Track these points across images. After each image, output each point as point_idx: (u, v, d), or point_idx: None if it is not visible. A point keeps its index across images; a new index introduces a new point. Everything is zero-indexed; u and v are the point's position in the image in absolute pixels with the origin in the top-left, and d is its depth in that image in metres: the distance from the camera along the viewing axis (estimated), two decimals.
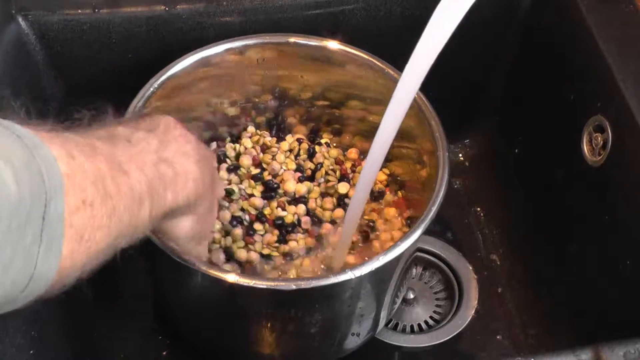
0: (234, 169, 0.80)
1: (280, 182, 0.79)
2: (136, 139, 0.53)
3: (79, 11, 0.78)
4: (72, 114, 0.52)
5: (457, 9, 0.57)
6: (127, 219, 0.47)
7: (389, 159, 0.80)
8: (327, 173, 0.80)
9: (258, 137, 0.82)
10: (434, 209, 0.66)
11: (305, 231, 0.77)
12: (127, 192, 0.48)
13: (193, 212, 0.59)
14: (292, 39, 0.78)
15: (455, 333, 0.84)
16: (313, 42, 0.78)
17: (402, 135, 0.74)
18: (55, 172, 0.41)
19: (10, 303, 0.42)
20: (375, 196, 0.80)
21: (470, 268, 0.88)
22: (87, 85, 0.82)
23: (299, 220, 0.77)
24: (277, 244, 0.75)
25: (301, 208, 0.77)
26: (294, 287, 0.62)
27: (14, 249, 0.39)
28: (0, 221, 0.38)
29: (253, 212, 0.77)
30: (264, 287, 0.62)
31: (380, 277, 0.68)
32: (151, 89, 0.72)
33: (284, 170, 0.80)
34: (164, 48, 0.80)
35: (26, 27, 0.77)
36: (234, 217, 0.76)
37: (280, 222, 0.76)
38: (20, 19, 0.76)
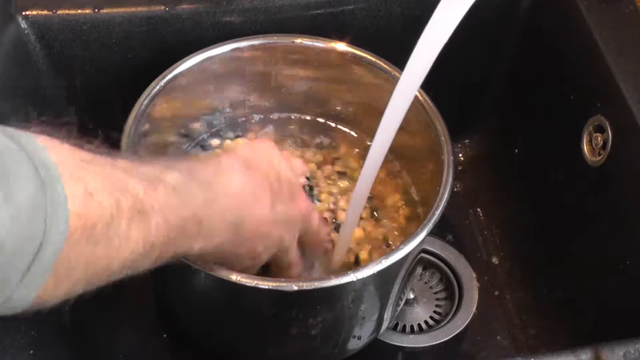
0: None
1: None
2: (184, 190, 0.52)
3: (79, 11, 0.78)
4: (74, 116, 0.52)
5: (457, 9, 0.57)
6: (130, 256, 0.47)
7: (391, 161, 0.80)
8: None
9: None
10: (438, 212, 0.66)
11: None
12: (137, 235, 0.47)
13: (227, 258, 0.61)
14: (299, 40, 0.78)
15: (455, 333, 0.84)
16: (320, 43, 0.78)
17: (406, 137, 0.74)
18: (61, 213, 0.41)
19: None
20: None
21: (470, 268, 0.88)
22: (87, 85, 0.82)
23: None
24: None
25: None
26: (295, 288, 0.62)
27: None
28: None
29: None
30: (266, 287, 0.62)
31: (383, 280, 0.68)
32: (157, 88, 0.72)
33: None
34: (164, 48, 0.80)
35: (26, 27, 0.77)
36: None
37: None
38: (20, 19, 0.76)
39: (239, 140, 0.81)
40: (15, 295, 0.41)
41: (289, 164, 0.66)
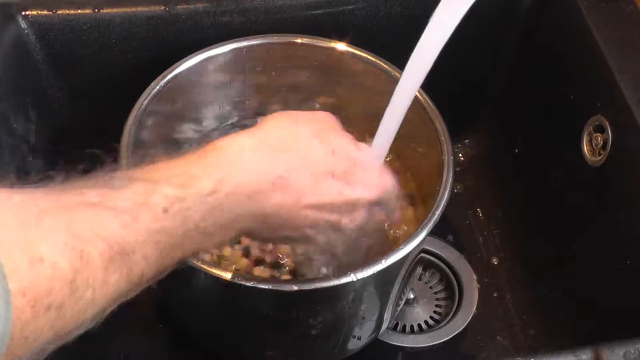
0: None
1: None
2: (178, 209, 0.48)
3: (79, 11, 0.78)
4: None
5: (457, 9, 0.57)
6: (113, 299, 0.44)
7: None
8: None
9: None
10: (438, 212, 0.66)
11: None
12: (119, 277, 0.44)
13: None
14: (299, 40, 0.78)
15: (455, 333, 0.84)
16: (320, 43, 0.78)
17: (406, 137, 0.74)
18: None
19: None
20: None
21: (470, 268, 0.88)
22: (87, 85, 0.82)
23: None
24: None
25: None
26: (295, 288, 0.62)
27: None
28: None
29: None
30: (266, 287, 0.62)
31: (383, 280, 0.68)
32: (157, 88, 0.72)
33: None
34: (164, 48, 0.80)
35: (26, 27, 0.77)
36: None
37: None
38: (20, 19, 0.76)
39: None
40: None
41: (350, 139, 0.60)
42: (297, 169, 0.55)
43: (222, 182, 0.51)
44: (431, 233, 0.66)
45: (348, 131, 0.82)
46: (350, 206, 0.58)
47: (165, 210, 0.47)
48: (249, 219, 0.53)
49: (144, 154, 0.53)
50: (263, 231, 0.57)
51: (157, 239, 0.46)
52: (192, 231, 0.49)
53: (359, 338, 0.74)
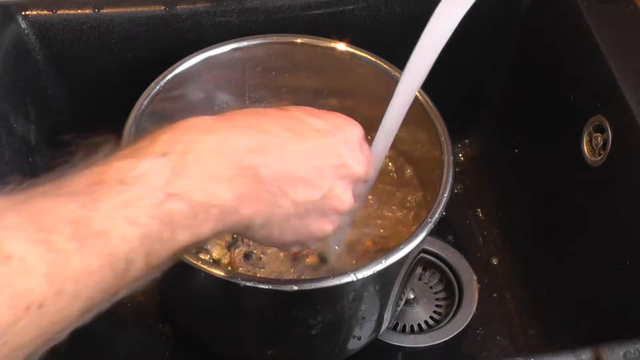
0: None
1: None
2: (134, 177, 0.44)
3: (79, 11, 0.78)
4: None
5: (457, 9, 0.57)
6: (100, 291, 0.42)
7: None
8: None
9: None
10: (438, 212, 0.66)
11: None
12: (100, 263, 0.41)
13: (254, 229, 0.50)
14: (299, 40, 0.78)
15: (455, 333, 0.84)
16: (320, 43, 0.78)
17: (406, 137, 0.74)
18: None
19: None
20: None
21: (470, 268, 0.88)
22: (87, 85, 0.82)
23: None
24: None
25: None
26: (295, 288, 0.62)
27: None
28: None
29: None
30: (266, 287, 0.62)
31: (383, 280, 0.68)
32: (157, 88, 0.72)
33: None
34: (164, 48, 0.80)
35: (26, 27, 0.77)
36: None
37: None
38: (20, 19, 0.76)
39: None
40: None
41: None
42: (259, 117, 0.52)
43: (171, 143, 0.47)
44: (431, 233, 0.66)
45: None
46: (342, 141, 0.53)
47: (122, 182, 0.44)
48: (233, 178, 0.48)
49: None
50: (268, 212, 0.50)
51: (125, 213, 0.43)
52: (166, 204, 0.44)
53: (359, 338, 0.74)
